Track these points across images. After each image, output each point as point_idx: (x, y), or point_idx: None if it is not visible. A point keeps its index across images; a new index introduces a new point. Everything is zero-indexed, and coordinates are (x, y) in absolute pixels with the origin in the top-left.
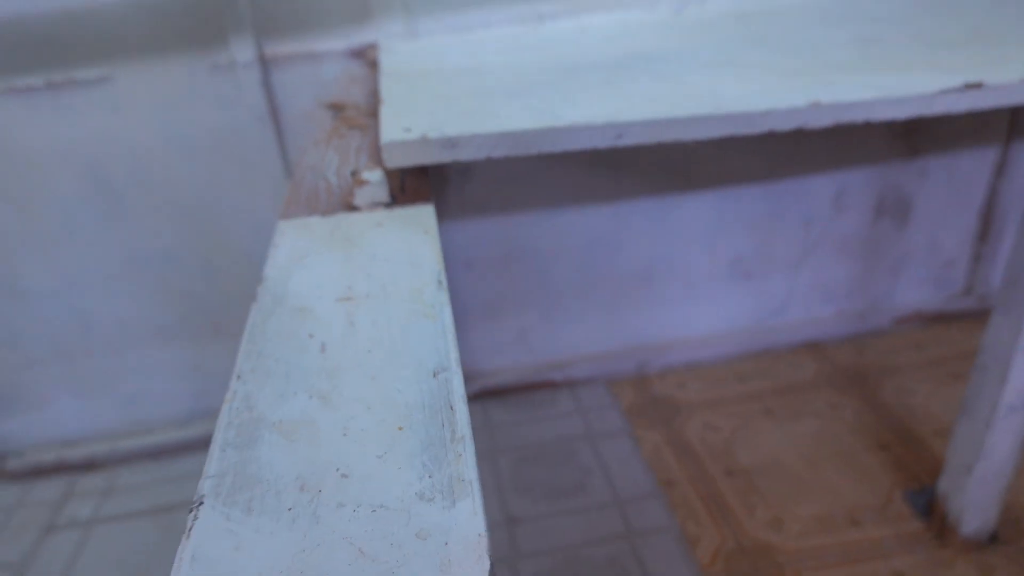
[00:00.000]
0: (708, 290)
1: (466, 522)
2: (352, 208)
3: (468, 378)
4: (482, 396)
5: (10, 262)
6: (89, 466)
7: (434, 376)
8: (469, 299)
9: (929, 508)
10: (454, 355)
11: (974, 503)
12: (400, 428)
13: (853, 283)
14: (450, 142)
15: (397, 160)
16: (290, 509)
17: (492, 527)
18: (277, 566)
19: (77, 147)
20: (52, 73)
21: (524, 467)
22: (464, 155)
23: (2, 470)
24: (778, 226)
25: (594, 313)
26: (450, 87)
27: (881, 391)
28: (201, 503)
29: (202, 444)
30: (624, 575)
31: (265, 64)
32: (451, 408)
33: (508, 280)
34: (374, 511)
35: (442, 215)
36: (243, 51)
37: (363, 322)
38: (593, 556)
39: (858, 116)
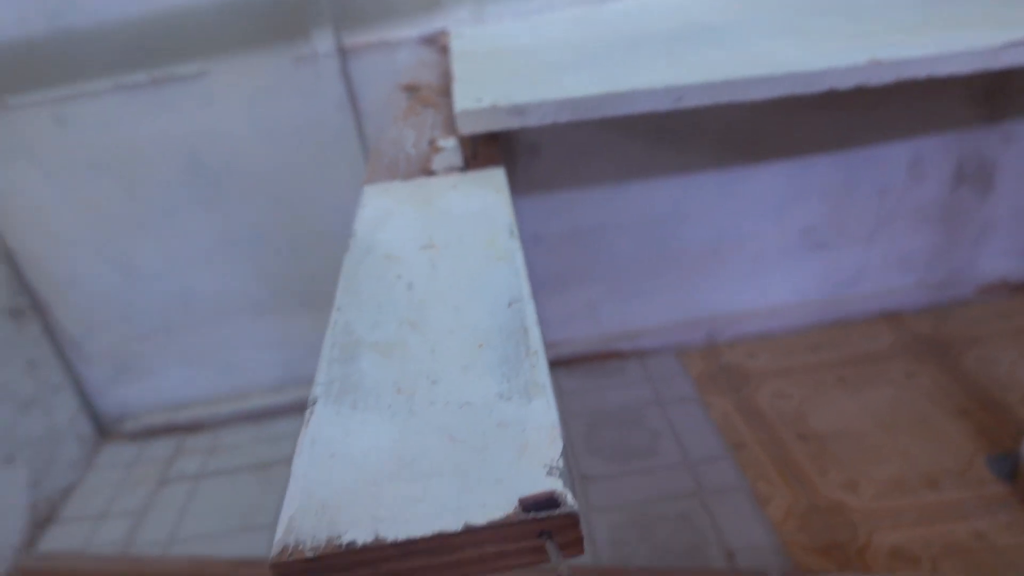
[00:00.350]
0: (778, 261)
1: (541, 415)
2: (429, 173)
3: None
4: (552, 366)
5: (124, 244)
6: (195, 428)
7: (509, 306)
8: (538, 273)
9: (1013, 472)
10: (526, 290)
11: None
12: (480, 346)
13: (933, 252)
14: (517, 109)
15: (469, 127)
16: (389, 406)
17: None
18: (382, 447)
19: (177, 137)
20: (154, 70)
21: (595, 431)
22: (531, 121)
23: (120, 432)
24: (851, 195)
25: (662, 285)
26: (517, 63)
27: (962, 360)
28: (315, 402)
29: (293, 408)
30: (695, 530)
31: (344, 54)
32: (525, 330)
33: (576, 254)
34: (461, 407)
35: (511, 191)
36: (323, 43)
37: (444, 265)
38: (664, 511)
39: (919, 72)
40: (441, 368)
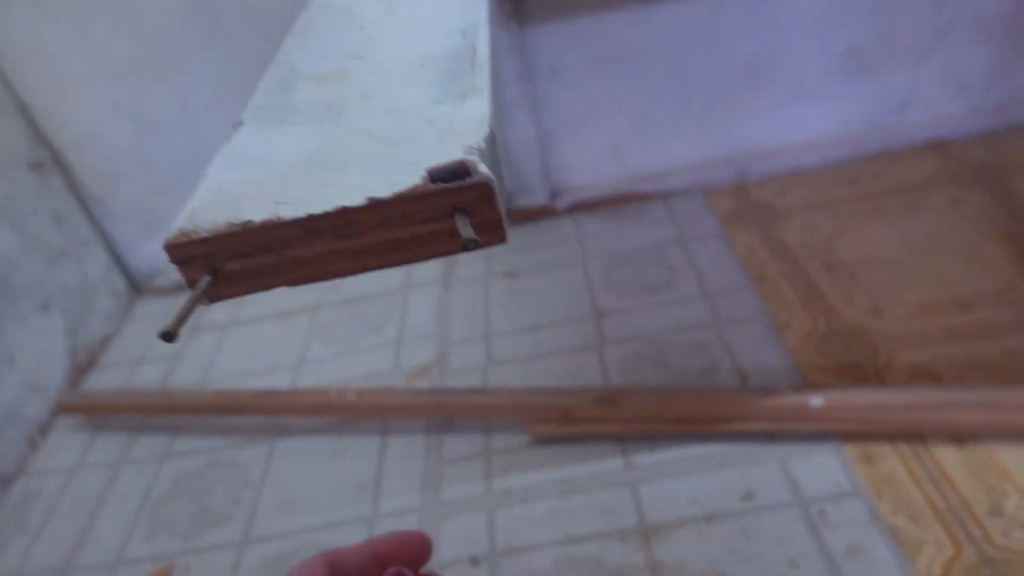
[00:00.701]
0: (818, 88)
1: (472, 110)
2: None
3: (559, 192)
4: (574, 210)
5: (134, 93)
6: None
7: (463, 34)
8: (557, 111)
9: None
10: (484, 20)
11: None
12: (424, 66)
13: (992, 73)
14: None
15: None
16: (317, 120)
17: (579, 320)
18: (302, 151)
19: None
20: None
21: (613, 269)
22: None
23: (152, 288)
24: (903, 8)
25: (690, 120)
26: None
27: (1013, 185)
28: (240, 124)
29: None
30: (709, 357)
31: None
32: (473, 49)
33: (598, 88)
34: (390, 113)
35: (525, 19)
36: None
37: (403, 9)
38: (679, 341)
39: None
40: (378, 86)
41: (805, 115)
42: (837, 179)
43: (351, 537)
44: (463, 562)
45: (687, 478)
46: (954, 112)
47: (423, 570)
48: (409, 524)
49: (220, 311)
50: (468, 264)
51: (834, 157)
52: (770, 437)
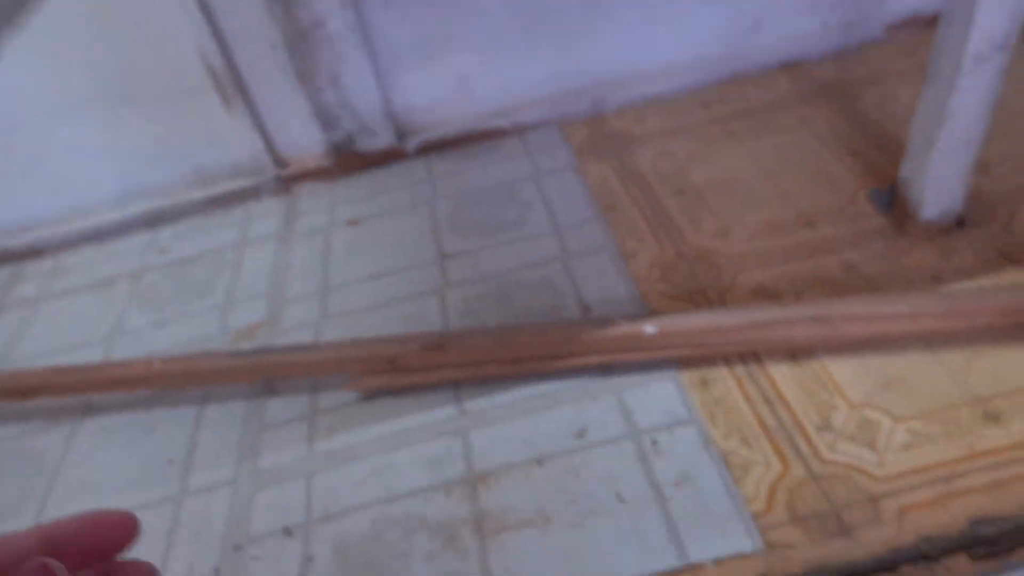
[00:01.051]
0: (669, 11)
1: None
2: None
3: (406, 133)
4: (424, 151)
5: None
6: (34, 253)
7: None
8: (395, 44)
9: (892, 201)
10: None
11: (937, 182)
12: None
13: None
14: None
15: None
16: None
17: (423, 265)
18: None
19: None
20: None
21: (463, 210)
22: None
23: None
24: None
25: (542, 49)
26: None
27: (860, 101)
28: None
29: (138, 222)
30: (554, 293)
31: None
32: None
33: (438, 17)
34: None
35: None
36: None
37: None
38: (524, 279)
39: None
40: None
41: (659, 40)
42: (692, 104)
43: (152, 521)
44: (276, 534)
45: (521, 420)
46: (805, 31)
47: (124, 558)
48: (221, 498)
49: (31, 285)
50: (310, 215)
51: (689, 83)
52: (607, 371)
